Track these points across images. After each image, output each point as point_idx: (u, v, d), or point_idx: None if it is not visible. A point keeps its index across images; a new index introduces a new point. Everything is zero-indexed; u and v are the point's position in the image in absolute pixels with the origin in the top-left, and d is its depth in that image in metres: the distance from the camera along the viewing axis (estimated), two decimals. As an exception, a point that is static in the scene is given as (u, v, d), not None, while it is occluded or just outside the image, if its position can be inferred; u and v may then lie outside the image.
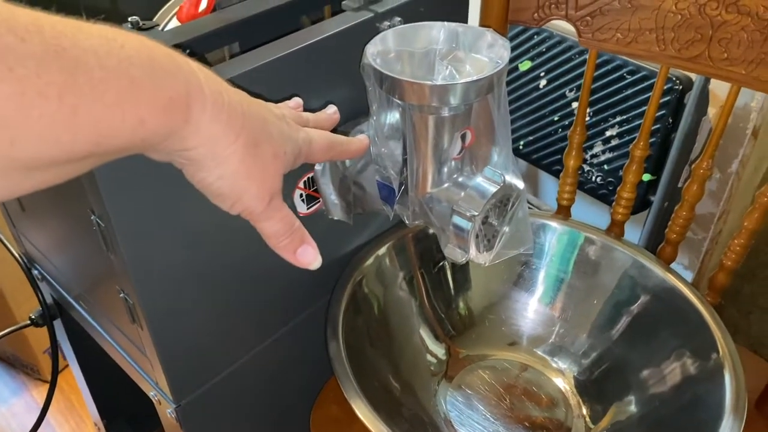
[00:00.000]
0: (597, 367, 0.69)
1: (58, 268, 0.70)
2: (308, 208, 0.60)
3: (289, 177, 0.57)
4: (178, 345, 0.56)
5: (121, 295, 0.53)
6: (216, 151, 0.36)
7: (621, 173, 0.76)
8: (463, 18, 0.67)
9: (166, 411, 0.61)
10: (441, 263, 0.72)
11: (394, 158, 0.56)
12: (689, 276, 1.14)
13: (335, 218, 0.60)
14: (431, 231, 0.58)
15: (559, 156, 1.08)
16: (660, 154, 0.99)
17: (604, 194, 1.07)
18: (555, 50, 1.04)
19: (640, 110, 0.97)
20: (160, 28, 0.58)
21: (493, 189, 0.53)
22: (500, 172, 0.54)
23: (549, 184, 1.31)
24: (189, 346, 0.57)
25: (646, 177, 1.00)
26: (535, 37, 1.06)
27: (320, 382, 0.72)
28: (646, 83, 0.96)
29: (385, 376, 0.65)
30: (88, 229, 0.49)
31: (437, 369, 0.71)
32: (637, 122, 0.98)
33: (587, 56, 0.72)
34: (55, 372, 0.89)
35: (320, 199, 0.60)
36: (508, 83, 1.11)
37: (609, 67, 0.99)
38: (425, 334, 0.71)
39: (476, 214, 0.52)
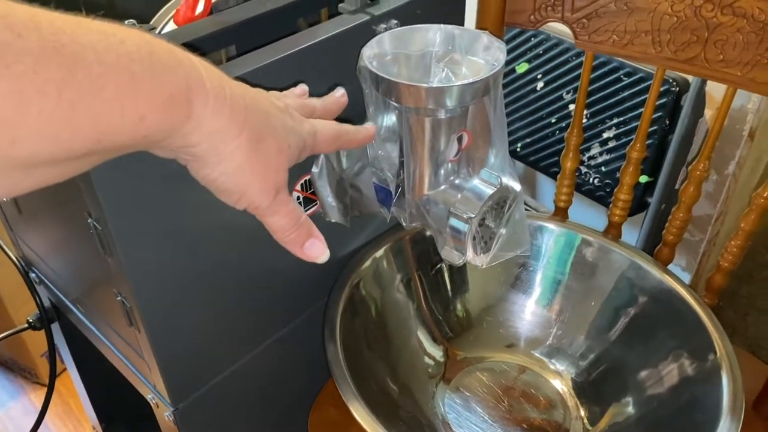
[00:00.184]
0: (595, 368, 0.69)
1: (55, 272, 0.70)
2: (305, 211, 0.60)
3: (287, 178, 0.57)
4: (176, 348, 0.56)
5: (119, 298, 0.53)
6: (219, 147, 0.36)
7: (618, 175, 0.76)
8: (459, 20, 0.67)
9: (164, 414, 0.61)
10: (438, 265, 0.72)
11: (390, 160, 0.56)
12: (687, 277, 1.15)
13: (332, 221, 0.61)
14: (428, 233, 0.58)
15: (557, 158, 1.08)
16: (657, 156, 0.99)
17: (601, 196, 1.07)
18: (552, 52, 1.05)
19: (637, 112, 0.98)
20: (156, 31, 0.58)
21: (489, 191, 0.53)
22: (497, 174, 0.54)
23: (546, 186, 1.31)
24: (186, 349, 0.57)
25: (644, 179, 1.00)
26: (532, 39, 1.06)
27: (318, 384, 0.71)
28: (642, 85, 0.96)
29: (382, 379, 0.65)
30: (85, 232, 0.49)
31: (435, 371, 0.71)
32: (634, 124, 0.98)
33: (584, 58, 0.72)
34: (53, 375, 0.89)
35: (317, 202, 0.60)
36: (505, 85, 1.11)
37: (606, 69, 0.99)
38: (423, 337, 0.71)
39: (473, 216, 0.52)
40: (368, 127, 0.51)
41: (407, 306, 0.71)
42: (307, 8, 0.65)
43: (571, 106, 1.05)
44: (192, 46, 0.56)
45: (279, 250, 0.60)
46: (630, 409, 0.64)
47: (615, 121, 1.01)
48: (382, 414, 0.54)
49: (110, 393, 0.92)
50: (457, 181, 0.55)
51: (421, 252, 0.71)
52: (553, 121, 1.09)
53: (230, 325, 0.60)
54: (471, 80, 0.48)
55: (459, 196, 0.54)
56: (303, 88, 0.51)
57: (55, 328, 0.83)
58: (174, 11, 0.62)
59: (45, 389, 1.13)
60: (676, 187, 1.00)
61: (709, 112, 0.96)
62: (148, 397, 0.63)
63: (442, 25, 0.53)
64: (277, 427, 0.74)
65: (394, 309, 0.70)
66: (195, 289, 0.55)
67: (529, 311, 0.74)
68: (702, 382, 0.59)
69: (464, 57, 0.52)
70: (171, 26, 0.61)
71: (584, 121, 1.03)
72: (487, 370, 0.72)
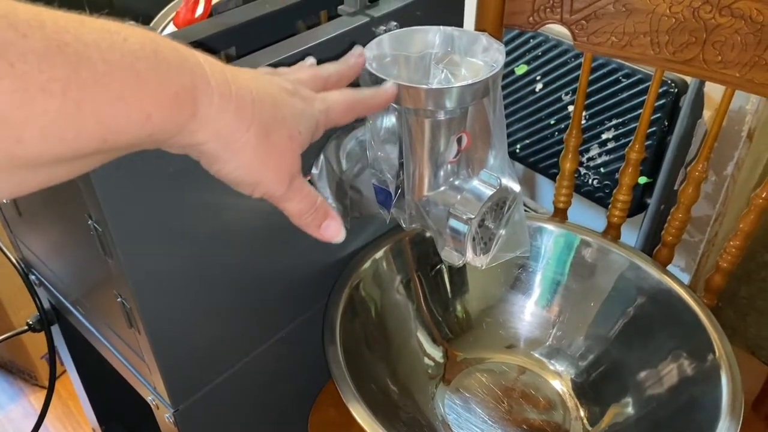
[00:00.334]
0: (594, 369, 0.69)
1: (55, 273, 0.70)
2: (305, 212, 0.60)
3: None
4: (176, 349, 0.56)
5: (119, 299, 0.53)
6: (227, 143, 0.36)
7: (617, 176, 0.76)
8: (458, 22, 0.67)
9: (164, 416, 0.61)
10: (438, 266, 0.72)
11: (390, 162, 0.56)
12: (686, 278, 1.15)
13: (332, 222, 0.60)
14: (428, 234, 0.58)
15: (556, 159, 1.08)
16: (656, 157, 0.99)
17: (600, 197, 1.07)
18: (551, 54, 1.05)
19: (636, 113, 0.98)
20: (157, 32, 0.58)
21: (489, 192, 0.53)
22: (496, 175, 0.54)
23: (546, 188, 1.31)
24: (187, 351, 0.57)
25: (643, 180, 1.00)
26: (531, 41, 1.06)
27: (318, 385, 0.72)
28: (641, 86, 0.97)
29: (382, 380, 0.65)
30: (86, 233, 0.50)
31: (435, 372, 0.71)
32: (633, 125, 0.99)
33: (583, 60, 0.73)
34: (53, 378, 0.89)
35: (317, 203, 0.60)
36: (505, 87, 1.12)
37: (605, 70, 0.99)
38: (423, 338, 0.72)
39: (473, 217, 0.53)
40: (386, 88, 0.48)
41: (407, 307, 0.71)
42: (307, 10, 0.65)
43: (570, 108, 1.05)
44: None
45: (279, 252, 0.61)
46: (629, 410, 0.64)
47: (614, 122, 1.01)
48: (381, 415, 0.54)
49: (110, 395, 0.92)
50: (456, 182, 0.55)
51: (420, 253, 0.71)
52: (553, 122, 1.09)
53: (230, 327, 0.60)
54: (470, 81, 0.48)
55: (458, 197, 0.54)
56: (312, 60, 0.49)
57: (55, 330, 0.83)
58: (174, 13, 0.62)
59: (45, 391, 1.13)
60: (675, 187, 1.00)
61: (707, 113, 0.96)
62: (148, 398, 0.63)
63: (441, 27, 0.53)
64: (277, 428, 0.74)
65: (393, 310, 0.70)
66: (195, 290, 0.55)
67: (528, 312, 0.74)
68: (701, 382, 0.59)
69: (463, 58, 0.52)
70: (171, 28, 0.61)
71: (583, 122, 1.03)
72: (487, 371, 0.73)
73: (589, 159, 1.06)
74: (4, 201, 0.66)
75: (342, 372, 0.57)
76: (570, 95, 1.04)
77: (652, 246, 0.85)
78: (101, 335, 0.67)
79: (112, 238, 0.47)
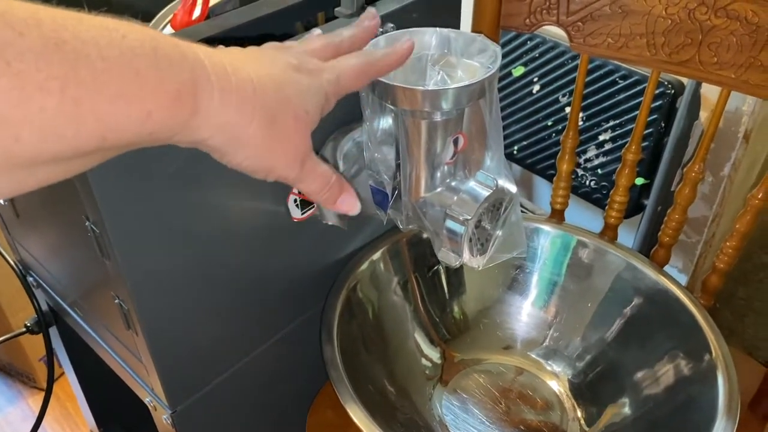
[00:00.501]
0: (591, 369, 0.69)
1: (53, 275, 0.70)
2: (303, 213, 0.60)
3: (284, 183, 0.57)
4: (174, 351, 0.57)
5: (116, 301, 0.54)
6: (232, 137, 0.36)
7: (614, 177, 0.76)
8: (455, 24, 0.67)
9: (162, 417, 0.61)
10: (435, 267, 0.72)
11: (387, 163, 0.56)
12: (684, 279, 1.15)
13: (330, 223, 0.61)
14: (425, 235, 0.58)
15: (553, 160, 1.08)
16: (653, 158, 0.99)
17: (597, 198, 1.07)
18: (548, 55, 1.05)
19: (633, 114, 0.98)
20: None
21: (485, 193, 0.54)
22: (493, 177, 0.54)
23: (543, 189, 1.31)
24: (184, 352, 0.57)
25: (640, 181, 1.00)
26: (528, 42, 1.07)
27: (316, 387, 0.72)
28: (638, 88, 0.97)
29: (380, 381, 0.65)
30: (83, 235, 0.50)
31: (432, 373, 0.71)
32: (630, 126, 0.99)
33: (579, 61, 0.73)
34: (51, 380, 0.89)
35: (314, 205, 0.60)
36: (502, 89, 1.12)
37: (602, 72, 1.00)
38: (420, 339, 0.72)
39: (469, 218, 0.53)
40: (403, 44, 0.46)
41: (404, 308, 0.71)
42: (304, 12, 0.65)
43: (567, 109, 1.05)
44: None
45: (277, 253, 0.61)
46: (626, 410, 0.64)
47: (611, 123, 1.01)
48: (379, 416, 0.54)
49: (108, 397, 0.92)
50: (453, 184, 0.55)
51: (417, 254, 0.71)
52: (550, 123, 1.09)
53: (228, 328, 0.60)
54: (466, 83, 0.48)
55: (455, 198, 0.54)
56: (318, 31, 0.47)
57: (53, 332, 0.83)
58: (171, 15, 0.62)
59: (43, 393, 1.13)
60: (672, 188, 1.00)
61: (704, 114, 0.97)
62: (146, 400, 0.63)
63: (437, 29, 0.53)
64: (276, 429, 0.74)
65: (391, 311, 0.70)
66: (192, 291, 0.55)
67: (525, 313, 0.74)
68: (698, 382, 0.60)
69: (460, 60, 0.53)
70: (168, 30, 0.62)
71: (580, 123, 1.03)
72: (484, 371, 0.73)
73: (587, 160, 1.06)
74: (2, 202, 0.66)
75: (339, 373, 0.57)
76: (567, 96, 1.05)
77: (649, 247, 0.85)
78: (99, 337, 0.67)
79: (109, 240, 0.47)
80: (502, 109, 1.13)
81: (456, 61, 0.53)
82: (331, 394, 0.57)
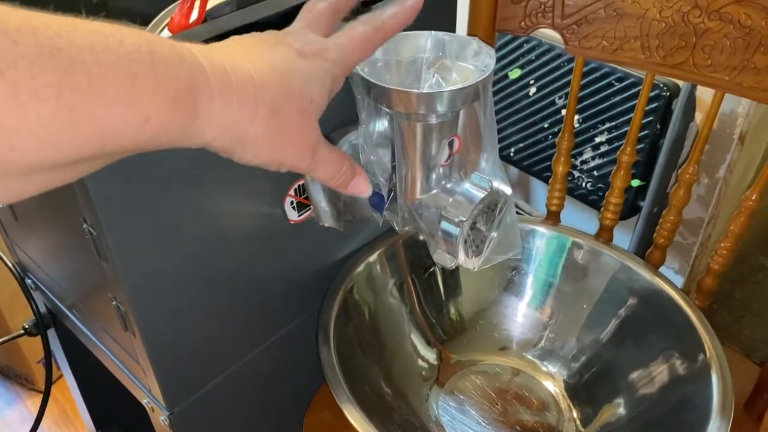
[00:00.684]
0: (587, 370, 0.70)
1: (51, 277, 0.71)
2: (299, 216, 0.61)
3: (280, 185, 0.58)
4: (171, 352, 0.57)
5: (114, 303, 0.54)
6: (237, 137, 0.35)
7: (610, 179, 0.77)
8: (450, 27, 0.68)
9: (159, 418, 0.61)
10: (431, 269, 0.73)
11: (383, 165, 0.57)
12: (680, 281, 1.15)
13: (326, 225, 0.61)
14: (421, 237, 0.59)
15: (550, 162, 1.09)
16: (649, 160, 1.00)
17: (594, 200, 1.08)
18: (544, 58, 1.06)
19: (629, 116, 0.99)
20: (151, 38, 0.59)
21: (480, 195, 0.54)
22: (488, 179, 0.55)
23: (540, 191, 1.32)
24: (182, 353, 0.58)
25: (636, 183, 1.01)
26: (525, 45, 1.07)
27: (313, 388, 0.72)
28: (634, 90, 0.97)
29: (376, 382, 0.65)
30: (81, 237, 0.50)
31: (429, 374, 0.72)
32: (626, 129, 0.99)
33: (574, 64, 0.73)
34: (49, 382, 0.89)
35: (311, 207, 0.61)
36: (498, 91, 1.12)
37: (598, 74, 1.00)
38: (416, 340, 0.72)
39: (464, 219, 0.53)
40: (408, 2, 0.44)
41: (401, 310, 0.71)
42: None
43: (564, 111, 1.06)
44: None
45: (274, 255, 0.61)
46: (622, 410, 0.65)
47: (607, 125, 1.02)
48: (376, 417, 0.55)
49: (106, 399, 0.92)
50: (448, 186, 0.56)
51: (414, 256, 0.71)
52: (546, 126, 1.09)
53: (225, 330, 0.61)
54: (461, 86, 0.49)
55: (450, 200, 0.54)
56: None
57: (51, 334, 0.83)
58: (168, 19, 0.62)
59: (41, 396, 1.13)
60: (668, 190, 1.01)
61: (699, 116, 0.97)
62: (144, 401, 0.63)
63: (432, 32, 0.53)
64: (272, 430, 0.74)
65: (387, 313, 0.70)
66: (190, 293, 0.55)
67: (521, 314, 0.74)
68: (692, 382, 0.60)
69: (454, 63, 0.53)
70: (166, 34, 0.62)
71: (576, 126, 1.04)
72: (481, 372, 0.73)
73: (583, 162, 1.06)
74: (0, 206, 0.67)
75: (336, 375, 0.57)
76: (563, 99, 1.05)
77: (645, 248, 0.86)
78: (97, 339, 0.68)
79: (106, 242, 0.47)
80: (499, 111, 1.13)
81: (451, 64, 0.53)
82: (328, 396, 0.57)
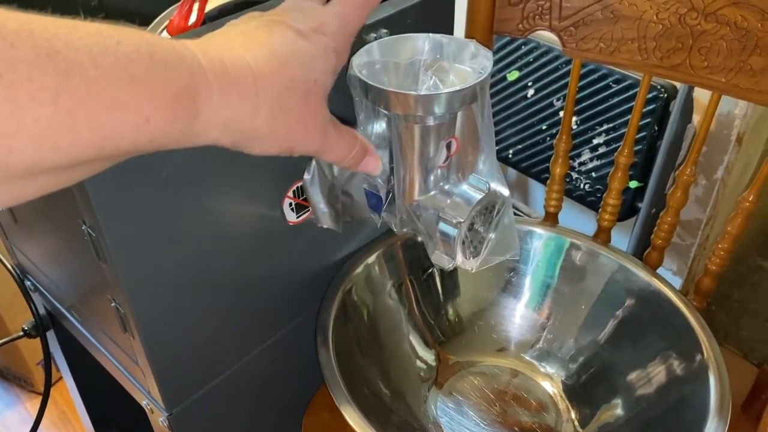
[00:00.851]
0: (585, 371, 0.70)
1: (51, 279, 0.71)
2: (298, 217, 0.61)
3: (279, 187, 0.58)
4: (170, 353, 0.57)
5: (113, 304, 0.54)
6: (242, 133, 0.35)
7: (608, 180, 0.77)
8: (448, 29, 0.68)
9: (159, 420, 0.61)
10: (430, 270, 0.73)
11: (381, 167, 0.57)
12: (678, 282, 1.15)
13: (324, 226, 0.61)
14: (419, 238, 0.59)
15: (548, 164, 1.09)
16: (646, 162, 1.00)
17: (592, 201, 1.08)
18: (542, 60, 1.06)
19: (627, 118, 0.99)
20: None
21: (478, 196, 0.54)
22: (485, 180, 0.55)
23: (539, 192, 1.32)
24: (181, 355, 0.58)
25: (633, 184, 1.01)
26: (523, 47, 1.07)
27: (312, 389, 0.72)
28: (631, 91, 0.98)
29: (375, 383, 0.66)
30: (80, 239, 0.50)
31: (427, 375, 0.72)
32: (624, 130, 0.99)
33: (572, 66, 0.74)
34: (48, 384, 0.89)
35: (309, 208, 0.61)
36: (496, 93, 1.13)
37: (595, 76, 1.00)
38: (415, 341, 0.72)
39: (462, 220, 0.53)
40: None
41: (399, 311, 0.71)
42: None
43: (562, 113, 1.06)
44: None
45: (273, 256, 0.61)
46: (620, 411, 0.65)
47: (605, 127, 1.02)
48: (374, 418, 0.55)
49: (105, 400, 0.92)
50: (446, 187, 0.56)
51: (412, 257, 0.72)
52: (544, 127, 1.10)
53: (224, 331, 0.61)
54: (458, 88, 0.49)
55: (448, 201, 0.55)
56: None
57: (51, 336, 0.84)
58: (167, 21, 0.63)
59: (40, 398, 1.13)
60: (666, 191, 1.01)
61: (697, 118, 0.98)
62: (143, 403, 0.63)
63: (430, 34, 0.53)
64: (271, 431, 0.75)
65: (386, 314, 0.71)
66: (189, 295, 0.56)
67: (519, 315, 0.75)
68: (690, 382, 0.60)
69: (452, 65, 0.53)
70: (164, 36, 0.62)
71: (574, 127, 1.04)
72: (479, 373, 0.73)
73: (581, 164, 1.07)
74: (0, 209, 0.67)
75: (335, 376, 0.57)
76: (561, 101, 1.05)
77: (643, 249, 0.86)
78: (96, 340, 0.68)
79: (105, 244, 0.47)
80: (497, 113, 1.14)
81: (448, 66, 0.53)
82: (326, 397, 0.57)
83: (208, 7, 0.63)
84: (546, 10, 0.70)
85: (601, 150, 1.04)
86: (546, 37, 1.04)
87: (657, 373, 0.64)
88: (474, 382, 0.72)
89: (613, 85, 0.99)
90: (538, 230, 0.73)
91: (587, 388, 0.69)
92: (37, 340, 0.83)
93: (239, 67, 0.34)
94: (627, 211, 1.04)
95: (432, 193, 0.56)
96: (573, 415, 0.69)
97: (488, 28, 0.74)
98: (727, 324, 1.26)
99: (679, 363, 0.62)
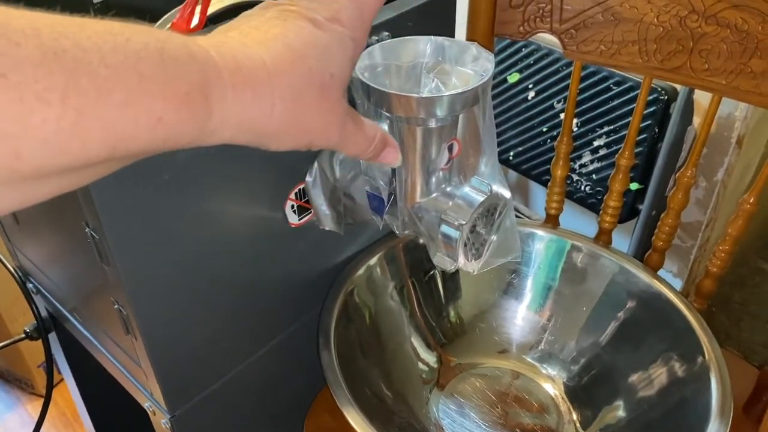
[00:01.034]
0: (586, 372, 0.70)
1: (52, 281, 0.71)
2: (300, 219, 0.61)
3: (281, 189, 0.58)
4: (172, 355, 0.57)
5: (116, 306, 0.54)
6: (257, 131, 0.34)
7: (609, 182, 0.77)
8: (449, 32, 0.68)
9: (161, 422, 0.62)
10: (431, 272, 0.73)
11: (383, 169, 0.57)
12: (678, 284, 1.16)
13: (326, 228, 0.61)
14: (421, 241, 0.59)
15: (549, 166, 1.09)
16: (647, 164, 1.00)
17: (593, 203, 1.08)
18: (542, 62, 1.06)
19: (627, 120, 0.99)
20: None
21: (480, 198, 0.54)
22: (487, 182, 0.55)
23: (540, 194, 1.32)
24: (183, 357, 0.58)
25: (634, 186, 1.01)
26: (523, 49, 1.08)
27: (313, 391, 0.72)
28: (632, 94, 0.98)
29: (377, 385, 0.66)
30: (83, 241, 0.50)
31: (429, 377, 0.72)
32: (625, 132, 1.00)
33: (572, 68, 0.74)
34: (50, 386, 0.89)
35: (311, 210, 0.61)
36: (497, 95, 1.13)
37: (596, 78, 1.00)
38: (417, 343, 0.72)
39: (464, 223, 0.53)
40: None
41: (401, 313, 0.72)
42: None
43: (562, 115, 1.06)
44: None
45: (275, 258, 0.62)
46: (621, 412, 0.65)
47: (605, 129, 1.02)
48: (376, 420, 0.55)
49: (107, 403, 0.92)
50: (448, 189, 0.56)
51: (414, 259, 0.72)
52: (545, 129, 1.10)
53: (226, 333, 0.61)
54: (460, 90, 0.49)
55: (450, 203, 0.55)
56: None
57: (53, 338, 0.84)
58: (169, 25, 0.63)
59: (42, 400, 1.14)
60: (667, 194, 1.01)
61: (697, 120, 0.98)
62: (145, 405, 0.63)
63: (432, 37, 0.54)
64: (273, 434, 0.75)
65: (387, 316, 0.71)
66: (191, 297, 0.56)
67: (520, 317, 0.75)
68: (691, 384, 0.60)
69: (454, 68, 0.53)
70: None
71: (575, 129, 1.04)
72: (481, 375, 0.73)
73: (582, 166, 1.07)
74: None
75: (337, 378, 0.57)
76: (562, 103, 1.06)
77: (644, 251, 0.86)
78: (98, 342, 0.68)
79: (108, 246, 0.48)
80: (498, 115, 1.14)
81: (450, 68, 0.54)
82: (328, 399, 0.57)
83: (210, 10, 0.63)
84: (547, 13, 0.71)
85: (602, 152, 1.04)
86: (547, 39, 1.04)
87: (658, 374, 0.64)
88: (476, 384, 0.72)
89: (614, 88, 0.99)
90: (540, 232, 0.73)
91: (589, 390, 0.69)
92: (39, 343, 0.83)
93: (253, 64, 0.33)
94: (628, 213, 1.04)
95: (434, 195, 0.56)
96: (574, 416, 0.69)
97: (489, 31, 0.74)
98: (728, 326, 1.26)
99: (681, 364, 0.62)
